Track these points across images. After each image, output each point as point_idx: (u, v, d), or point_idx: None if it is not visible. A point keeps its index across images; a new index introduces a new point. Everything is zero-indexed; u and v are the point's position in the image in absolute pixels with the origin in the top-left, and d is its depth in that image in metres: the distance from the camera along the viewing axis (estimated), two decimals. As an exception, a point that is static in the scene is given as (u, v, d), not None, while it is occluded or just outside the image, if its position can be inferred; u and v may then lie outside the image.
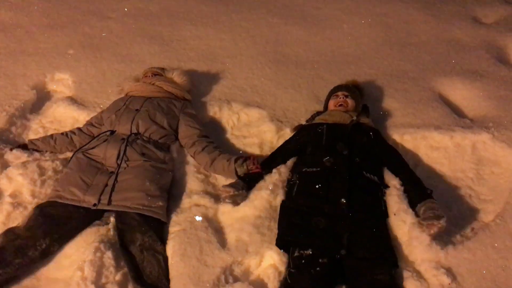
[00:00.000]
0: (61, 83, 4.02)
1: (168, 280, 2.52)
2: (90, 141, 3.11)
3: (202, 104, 3.68)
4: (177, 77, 3.57)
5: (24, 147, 3.26)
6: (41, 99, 3.85)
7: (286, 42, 4.44)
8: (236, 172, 2.96)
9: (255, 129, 3.51)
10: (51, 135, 3.32)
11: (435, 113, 3.41)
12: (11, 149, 3.20)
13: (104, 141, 3.04)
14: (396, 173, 2.92)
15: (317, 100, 3.62)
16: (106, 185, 2.80)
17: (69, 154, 3.28)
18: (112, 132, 3.13)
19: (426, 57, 4.13)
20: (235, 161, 2.98)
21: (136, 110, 3.23)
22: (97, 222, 2.81)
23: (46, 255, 2.60)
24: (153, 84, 3.44)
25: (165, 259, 2.61)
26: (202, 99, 3.74)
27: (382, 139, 3.17)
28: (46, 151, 3.26)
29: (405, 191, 2.83)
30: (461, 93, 3.71)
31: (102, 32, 4.62)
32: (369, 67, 4.03)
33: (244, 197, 2.86)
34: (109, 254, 2.60)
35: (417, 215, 2.66)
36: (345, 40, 4.44)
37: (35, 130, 3.58)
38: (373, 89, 3.73)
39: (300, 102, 3.63)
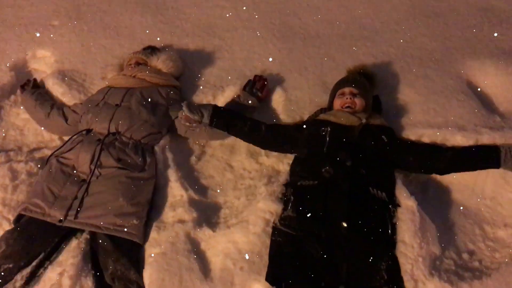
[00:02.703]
0: (42, 61, 3.66)
1: None
2: (65, 143, 2.79)
3: (194, 90, 3.28)
4: (162, 64, 3.16)
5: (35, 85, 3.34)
6: (20, 79, 3.49)
7: (295, 9, 3.89)
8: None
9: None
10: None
11: (461, 108, 2.92)
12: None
13: (79, 143, 2.72)
14: (432, 163, 2.59)
15: (324, 88, 3.16)
16: (76, 197, 2.50)
17: (46, 152, 3.01)
18: (89, 131, 2.80)
19: (455, 32, 3.54)
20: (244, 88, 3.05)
21: (116, 105, 2.87)
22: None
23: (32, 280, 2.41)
24: (134, 76, 3.05)
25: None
26: (195, 82, 3.34)
27: (397, 137, 2.75)
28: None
29: (466, 164, 2.59)
30: (492, 79, 3.17)
31: (91, -3, 4.16)
32: (387, 44, 3.49)
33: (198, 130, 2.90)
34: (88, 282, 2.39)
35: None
36: (362, 8, 3.85)
37: (15, 112, 3.31)
38: (389, 74, 3.23)
39: (305, 91, 3.18)
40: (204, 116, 2.75)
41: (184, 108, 2.73)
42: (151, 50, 3.33)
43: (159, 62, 3.16)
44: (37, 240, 2.41)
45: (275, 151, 2.87)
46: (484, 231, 2.51)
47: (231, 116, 2.82)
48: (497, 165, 2.53)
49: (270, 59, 3.40)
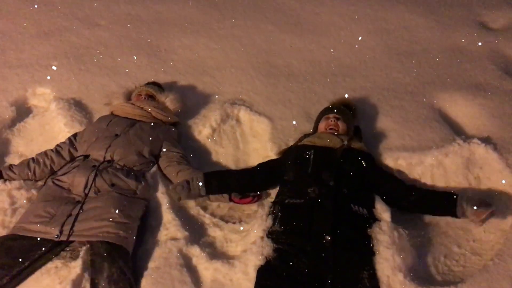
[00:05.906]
0: (42, 97, 3.85)
1: None
2: (62, 167, 2.96)
3: (187, 122, 3.49)
4: (169, 102, 3.41)
5: None
6: (20, 115, 3.68)
7: (279, 51, 4.21)
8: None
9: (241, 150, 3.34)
10: (28, 163, 3.09)
11: (433, 134, 3.17)
12: None
13: (75, 167, 2.88)
14: (398, 200, 2.76)
15: (307, 118, 3.40)
16: (70, 214, 2.63)
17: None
18: (86, 156, 2.97)
19: (427, 68, 3.87)
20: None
21: (116, 135, 3.06)
22: (63, 254, 2.65)
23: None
24: (141, 108, 3.27)
25: None
26: (191, 119, 3.54)
27: (376, 165, 2.95)
28: (24, 180, 3.07)
29: (426, 209, 2.78)
30: (462, 110, 3.45)
31: (89, 41, 4.43)
32: (364, 79, 3.79)
33: (187, 195, 2.80)
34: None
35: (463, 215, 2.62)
36: (341, 49, 4.19)
37: (14, 148, 3.46)
38: (367, 106, 3.50)
39: (290, 121, 3.41)
40: (197, 191, 2.80)
41: (175, 192, 2.81)
42: (158, 86, 3.56)
43: (168, 100, 3.40)
44: (20, 255, 2.49)
45: (274, 187, 2.96)
46: (459, 245, 2.67)
47: (223, 181, 2.89)
48: (454, 216, 2.66)
49: (257, 93, 3.67)
